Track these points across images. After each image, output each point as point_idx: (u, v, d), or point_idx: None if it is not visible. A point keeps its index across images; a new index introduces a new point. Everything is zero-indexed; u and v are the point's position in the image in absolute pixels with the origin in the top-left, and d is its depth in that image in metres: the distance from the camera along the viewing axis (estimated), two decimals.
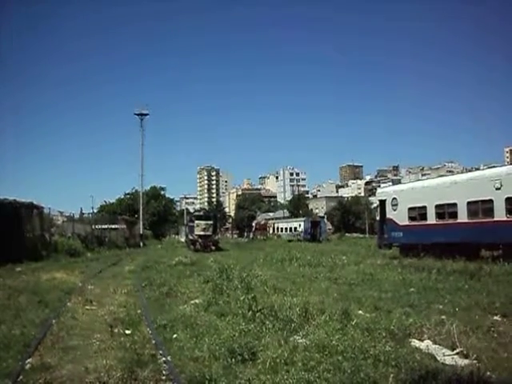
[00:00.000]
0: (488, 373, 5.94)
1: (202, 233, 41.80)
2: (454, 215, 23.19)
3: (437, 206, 24.42)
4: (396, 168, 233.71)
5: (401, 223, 26.90)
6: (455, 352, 6.96)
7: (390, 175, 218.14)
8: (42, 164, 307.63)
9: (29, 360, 6.99)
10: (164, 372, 6.42)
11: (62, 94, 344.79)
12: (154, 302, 12.54)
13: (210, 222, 43.21)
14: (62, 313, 10.83)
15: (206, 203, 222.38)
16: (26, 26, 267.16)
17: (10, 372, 6.42)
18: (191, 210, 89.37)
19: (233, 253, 36.18)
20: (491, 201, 21.10)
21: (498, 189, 20.79)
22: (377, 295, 12.22)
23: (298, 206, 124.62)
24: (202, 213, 51.75)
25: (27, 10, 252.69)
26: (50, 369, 6.66)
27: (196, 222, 43.39)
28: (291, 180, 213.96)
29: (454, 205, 23.19)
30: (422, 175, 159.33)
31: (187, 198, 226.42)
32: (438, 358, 6.72)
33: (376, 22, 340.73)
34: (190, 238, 43.99)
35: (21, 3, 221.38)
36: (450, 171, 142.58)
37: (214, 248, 40.45)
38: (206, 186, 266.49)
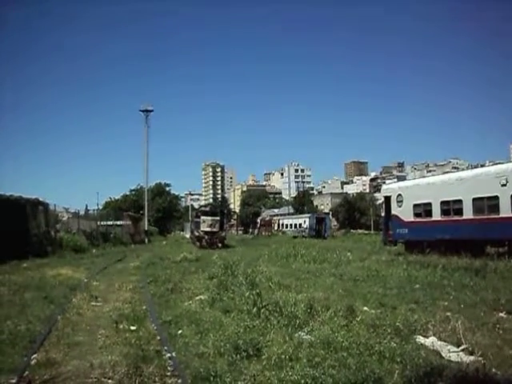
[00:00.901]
0: (493, 369, 5.94)
1: (208, 229, 40.00)
2: (460, 212, 23.10)
3: (442, 203, 24.34)
4: (401, 164, 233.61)
5: (406, 219, 26.83)
6: (460, 349, 6.94)
7: (395, 172, 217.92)
8: (47, 161, 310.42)
9: (34, 356, 7.02)
10: (169, 368, 6.43)
11: (67, 91, 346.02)
12: (159, 298, 12.54)
13: (217, 218, 41.42)
14: (68, 309, 10.85)
15: (210, 199, 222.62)
16: (29, 24, 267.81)
17: (16, 367, 6.45)
18: (196, 207, 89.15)
19: (238, 249, 36.19)
20: (497, 197, 21.01)
21: (503, 185, 20.70)
22: (382, 291, 12.19)
23: (302, 202, 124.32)
24: (208, 208, 50.01)
25: (31, 8, 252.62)
26: (56, 364, 6.68)
27: (202, 217, 41.55)
28: (296, 176, 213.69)
29: (460, 201, 23.11)
30: (427, 172, 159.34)
31: (192, 195, 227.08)
32: (444, 355, 6.71)
33: (381, 20, 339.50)
34: (196, 234, 41.99)
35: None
36: (455, 168, 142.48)
37: (220, 245, 39.20)
38: (210, 183, 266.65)
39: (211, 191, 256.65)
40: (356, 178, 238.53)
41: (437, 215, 24.63)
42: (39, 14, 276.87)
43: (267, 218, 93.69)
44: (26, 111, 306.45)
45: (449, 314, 9.07)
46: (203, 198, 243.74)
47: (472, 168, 35.04)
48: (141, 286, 15.17)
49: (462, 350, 6.88)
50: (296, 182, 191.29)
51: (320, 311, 9.06)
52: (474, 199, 22.29)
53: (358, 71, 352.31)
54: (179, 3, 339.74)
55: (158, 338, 8.05)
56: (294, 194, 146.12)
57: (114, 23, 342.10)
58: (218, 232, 40.77)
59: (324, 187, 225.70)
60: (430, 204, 25.18)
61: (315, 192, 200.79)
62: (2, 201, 26.04)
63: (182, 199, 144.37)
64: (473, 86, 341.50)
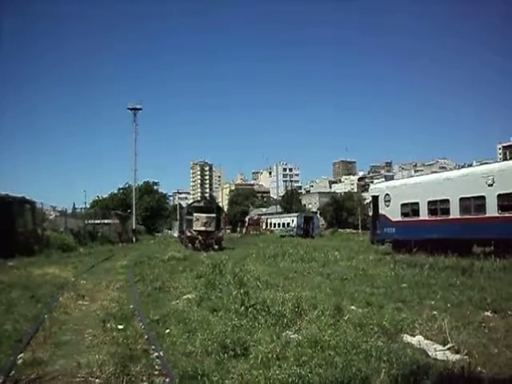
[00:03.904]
0: (479, 368, 5.99)
1: (202, 228, 34.79)
2: (447, 211, 23.28)
3: (429, 202, 24.51)
4: (389, 164, 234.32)
5: (393, 219, 26.98)
6: (447, 347, 7.00)
7: (382, 171, 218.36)
8: (34, 159, 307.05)
9: (21, 355, 6.97)
10: (156, 367, 6.43)
11: (56, 91, 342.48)
12: (146, 297, 12.53)
13: (213, 216, 35.85)
14: (55, 308, 10.80)
15: (198, 198, 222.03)
16: (23, 25, 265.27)
17: (2, 367, 6.40)
18: (184, 205, 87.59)
19: (225, 248, 36.03)
20: (483, 197, 21.19)
21: (490, 185, 20.89)
22: (369, 291, 12.25)
23: (290, 201, 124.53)
24: (202, 204, 42.75)
25: (27, 10, 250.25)
26: (42, 364, 6.65)
27: (195, 214, 35.75)
28: (284, 175, 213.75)
29: (447, 201, 23.28)
30: (415, 171, 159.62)
31: (180, 193, 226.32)
32: (430, 354, 6.76)
33: (370, 19, 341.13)
34: (188, 234, 35.96)
35: (21, 3, 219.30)
36: (442, 167, 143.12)
37: (216, 247, 34.06)
38: (198, 181, 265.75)
39: (199, 190, 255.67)
40: (344, 177, 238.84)
41: (424, 215, 24.79)
42: (33, 16, 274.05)
43: (255, 217, 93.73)
44: (15, 111, 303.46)
45: (435, 312, 9.14)
46: (191, 196, 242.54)
47: (459, 168, 35.23)
48: (128, 284, 15.14)
49: (448, 349, 6.93)
50: (284, 180, 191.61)
51: (307, 310, 9.07)
52: (460, 199, 22.47)
53: (347, 71, 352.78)
54: (170, 4, 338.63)
55: (146, 337, 8.04)
56: (282, 193, 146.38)
57: (103, 24, 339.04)
58: (214, 232, 35.54)
59: (312, 186, 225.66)
60: (417, 204, 25.34)
61: (303, 191, 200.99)
62: None
63: (170, 198, 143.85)
64: (462, 86, 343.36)
